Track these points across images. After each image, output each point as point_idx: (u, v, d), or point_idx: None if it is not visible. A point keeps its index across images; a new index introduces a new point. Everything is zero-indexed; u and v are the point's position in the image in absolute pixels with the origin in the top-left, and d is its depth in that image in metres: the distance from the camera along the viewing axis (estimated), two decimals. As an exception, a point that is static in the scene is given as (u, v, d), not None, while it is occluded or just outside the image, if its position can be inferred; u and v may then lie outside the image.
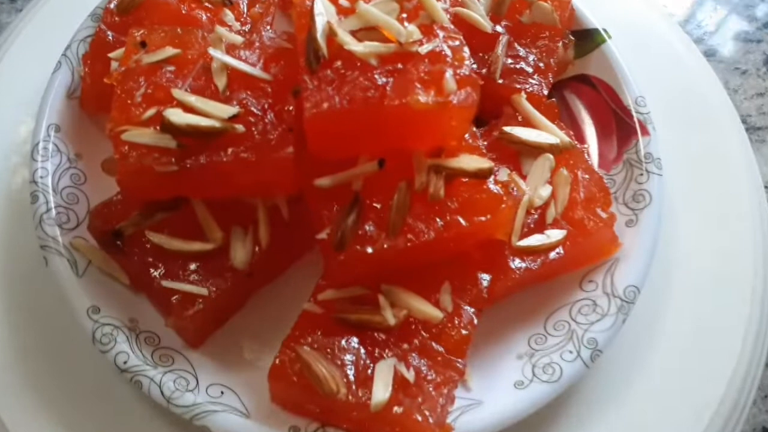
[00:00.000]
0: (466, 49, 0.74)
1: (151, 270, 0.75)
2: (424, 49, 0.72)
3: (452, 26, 0.75)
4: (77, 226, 0.81)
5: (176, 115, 0.70)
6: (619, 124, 0.95)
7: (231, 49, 0.78)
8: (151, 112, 0.73)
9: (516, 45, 0.93)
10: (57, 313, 0.81)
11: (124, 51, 0.78)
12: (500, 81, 0.90)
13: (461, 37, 0.75)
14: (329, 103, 0.69)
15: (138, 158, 0.71)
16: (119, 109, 0.74)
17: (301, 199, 0.79)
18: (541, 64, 0.92)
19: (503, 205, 0.75)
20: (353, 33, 0.73)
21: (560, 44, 0.95)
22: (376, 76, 0.71)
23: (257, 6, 0.94)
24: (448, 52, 0.73)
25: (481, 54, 0.91)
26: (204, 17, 0.90)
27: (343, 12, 0.76)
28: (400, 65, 0.72)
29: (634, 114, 0.93)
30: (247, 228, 0.78)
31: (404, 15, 0.75)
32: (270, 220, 0.79)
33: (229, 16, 0.90)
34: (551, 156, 0.85)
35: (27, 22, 1.07)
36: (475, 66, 0.86)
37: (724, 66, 1.22)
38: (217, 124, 0.71)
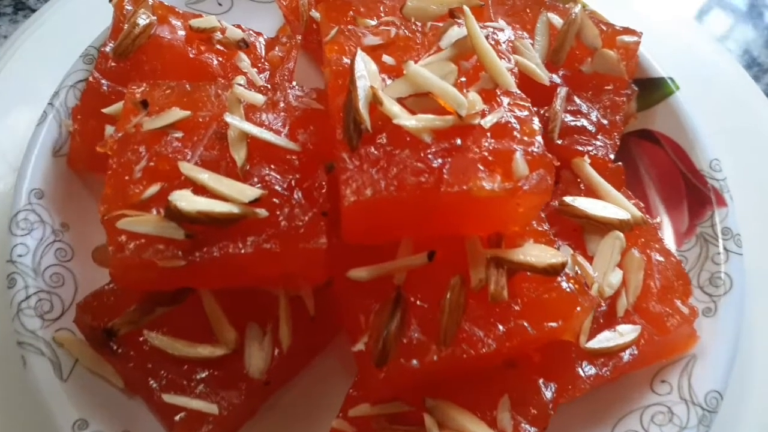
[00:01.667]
0: (536, 119, 0.61)
1: (150, 380, 0.62)
2: (488, 121, 0.60)
3: (519, 91, 0.62)
4: (62, 314, 0.69)
5: (185, 200, 0.57)
6: (690, 191, 0.82)
7: (250, 110, 0.65)
8: (153, 189, 0.60)
9: (576, 99, 0.80)
10: (40, 422, 0.67)
11: (122, 112, 0.65)
12: (559, 141, 0.77)
13: (530, 105, 0.62)
14: (373, 188, 0.57)
15: (137, 251, 0.58)
16: (114, 187, 0.61)
17: (327, 286, 0.66)
18: (606, 122, 0.80)
19: (578, 308, 0.62)
20: (401, 100, 0.60)
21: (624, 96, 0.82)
22: (430, 156, 0.58)
23: (276, 48, 0.80)
24: (516, 124, 0.61)
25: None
26: (215, 62, 0.77)
27: (387, 71, 0.63)
28: (458, 141, 0.59)
29: (708, 180, 0.81)
30: (264, 325, 0.65)
31: (462, 78, 0.62)
32: (292, 313, 0.66)
33: (244, 61, 0.77)
34: (621, 234, 0.73)
35: (13, 52, 0.93)
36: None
37: (784, 108, 1.11)
38: (235, 209, 0.58)
